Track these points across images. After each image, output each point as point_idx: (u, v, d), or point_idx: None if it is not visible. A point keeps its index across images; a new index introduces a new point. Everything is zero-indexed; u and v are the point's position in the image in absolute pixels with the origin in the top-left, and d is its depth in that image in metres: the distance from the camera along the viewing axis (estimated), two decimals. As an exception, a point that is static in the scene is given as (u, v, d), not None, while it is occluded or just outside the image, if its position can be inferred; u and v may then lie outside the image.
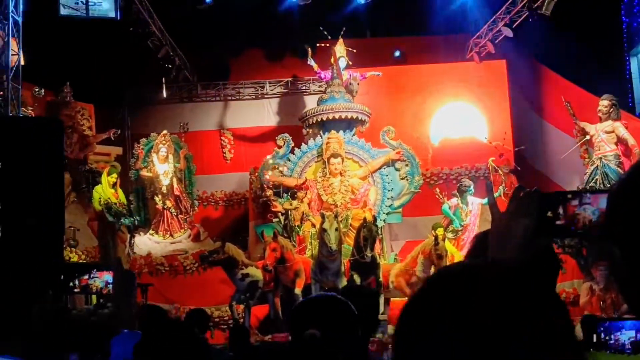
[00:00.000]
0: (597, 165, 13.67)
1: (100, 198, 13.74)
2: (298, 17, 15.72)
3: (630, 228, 1.05)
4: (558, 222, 1.54)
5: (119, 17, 12.84)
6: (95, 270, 11.81)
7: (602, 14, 17.63)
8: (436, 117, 17.11)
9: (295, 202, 13.52)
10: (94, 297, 11.86)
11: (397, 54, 17.78)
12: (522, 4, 15.13)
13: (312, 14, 15.58)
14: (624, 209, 1.07)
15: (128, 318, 8.77)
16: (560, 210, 1.55)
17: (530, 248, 1.52)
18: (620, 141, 13.66)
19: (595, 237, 1.51)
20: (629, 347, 4.19)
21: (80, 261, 13.02)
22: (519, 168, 15.81)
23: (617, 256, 1.08)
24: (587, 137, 14.11)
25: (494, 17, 16.17)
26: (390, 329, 10.67)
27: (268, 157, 14.51)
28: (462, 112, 17.09)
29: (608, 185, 13.19)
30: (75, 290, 11.15)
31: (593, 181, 13.63)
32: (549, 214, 1.53)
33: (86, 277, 11.50)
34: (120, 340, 5.64)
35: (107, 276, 11.78)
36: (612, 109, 13.83)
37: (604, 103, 13.89)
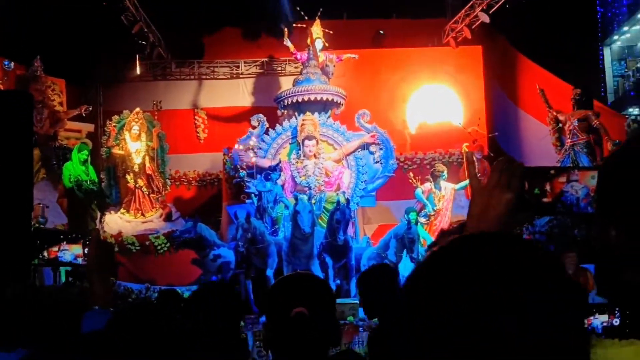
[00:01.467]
0: (569, 153, 13.81)
1: (70, 175, 13.55)
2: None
3: (627, 206, 1.03)
4: (545, 199, 1.52)
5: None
6: (64, 242, 11.60)
7: (577, 3, 17.75)
8: (412, 101, 17.16)
9: (268, 184, 13.44)
10: (62, 272, 11.68)
11: (380, 31, 17.69)
12: (500, -11, 15.15)
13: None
14: (620, 186, 1.05)
15: (102, 295, 8.64)
16: (548, 187, 1.52)
17: (510, 223, 1.50)
18: (592, 130, 13.80)
19: (582, 215, 1.49)
20: (601, 332, 4.23)
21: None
22: (492, 154, 15.90)
23: (612, 234, 1.06)
24: (560, 125, 14.23)
25: (471, 2, 16.18)
26: (362, 312, 10.70)
27: (240, 139, 14.39)
28: (437, 96, 17.17)
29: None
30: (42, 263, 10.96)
31: (565, 169, 13.76)
32: (536, 190, 1.51)
33: (55, 249, 11.31)
34: (91, 316, 5.55)
35: (77, 249, 11.59)
36: (584, 98, 13.96)
37: (577, 92, 14.01)
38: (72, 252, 11.40)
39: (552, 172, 1.51)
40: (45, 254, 11.13)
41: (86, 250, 10.98)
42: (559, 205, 1.52)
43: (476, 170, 1.65)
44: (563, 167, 1.65)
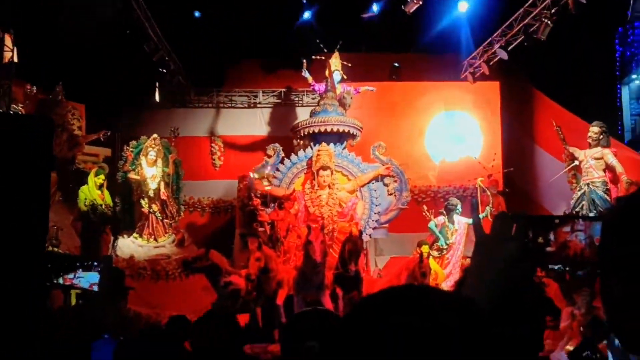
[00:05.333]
0: (585, 191, 13.71)
1: (85, 198, 13.66)
2: (295, 29, 15.77)
3: (628, 259, 1.04)
4: (549, 249, 1.52)
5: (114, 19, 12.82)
6: (80, 269, 11.64)
7: (597, 42, 17.80)
8: (429, 135, 17.25)
9: (281, 213, 13.47)
10: (73, 294, 11.70)
11: (395, 64, 17.81)
12: (518, 27, 15.24)
13: (310, 27, 15.63)
14: (623, 240, 1.06)
15: (113, 322, 8.67)
16: (552, 236, 1.53)
17: (514, 273, 1.49)
18: (608, 168, 13.71)
19: (588, 265, 1.49)
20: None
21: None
22: (507, 190, 15.86)
23: (615, 285, 1.06)
24: (576, 162, 14.16)
25: (490, 39, 16.28)
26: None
27: (255, 168, 14.47)
28: (455, 130, 17.24)
29: (594, 212, 13.24)
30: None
31: (580, 207, 13.67)
32: (540, 239, 1.51)
33: (71, 276, 11.33)
34: (101, 345, 5.56)
35: (93, 276, 11.61)
36: (602, 136, 13.89)
37: (594, 130, 13.95)
38: (87, 279, 11.44)
39: (556, 221, 1.52)
40: (60, 280, 11.18)
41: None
42: (564, 255, 1.52)
43: (480, 217, 1.66)
44: (568, 216, 1.67)
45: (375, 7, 14.66)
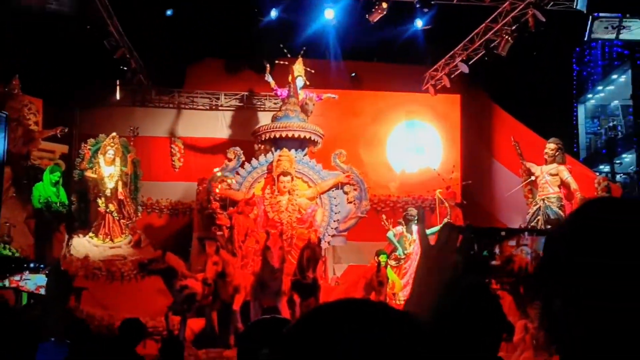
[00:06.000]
0: (540, 207, 13.98)
1: (40, 195, 13.37)
2: (260, 32, 15.71)
3: (567, 276, 1.05)
4: (493, 263, 1.53)
5: (75, 14, 12.58)
6: (27, 271, 11.40)
7: (555, 60, 18.20)
8: (391, 144, 17.39)
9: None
10: (24, 296, 11.46)
11: (353, 74, 17.90)
12: (480, 42, 15.47)
13: (274, 31, 15.59)
14: (563, 258, 1.07)
15: (56, 324, 8.48)
16: (497, 250, 1.54)
17: (457, 286, 1.48)
18: (563, 184, 14.02)
19: (529, 280, 1.51)
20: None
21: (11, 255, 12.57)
22: (464, 202, 16.06)
23: (555, 302, 1.08)
24: (532, 177, 14.44)
25: (452, 52, 16.49)
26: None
27: (217, 169, 14.40)
28: (415, 141, 17.43)
29: (549, 227, 13.50)
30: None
31: (535, 221, 13.93)
32: (485, 252, 1.52)
33: (17, 278, 11.09)
34: (47, 349, 5.42)
35: (40, 278, 11.38)
36: (557, 153, 14.20)
37: (550, 146, 14.25)
38: (34, 281, 11.22)
39: (502, 233, 1.53)
40: (7, 282, 10.93)
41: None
42: (509, 269, 1.54)
43: (426, 230, 1.65)
44: (514, 229, 1.68)
45: (330, 13, 14.59)
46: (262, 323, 2.43)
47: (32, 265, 11.99)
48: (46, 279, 11.26)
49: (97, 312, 12.39)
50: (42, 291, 11.14)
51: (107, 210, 14.83)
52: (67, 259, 13.56)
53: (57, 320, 8.86)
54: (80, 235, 14.67)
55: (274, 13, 15.04)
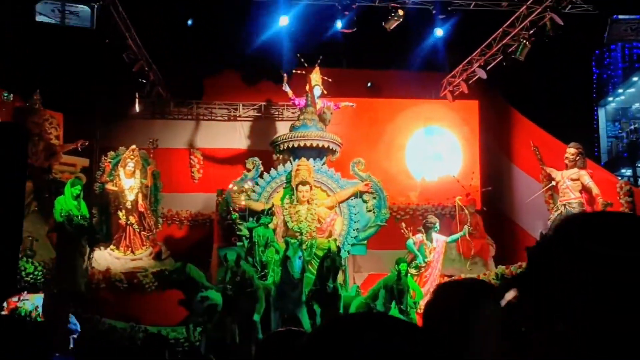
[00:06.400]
0: (561, 212, 13.82)
1: (61, 209, 13.47)
2: (276, 42, 15.76)
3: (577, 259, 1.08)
4: None
5: (94, 28, 12.71)
6: (25, 292, 11.45)
7: (574, 64, 18.04)
8: (410, 151, 17.35)
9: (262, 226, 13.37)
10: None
11: (369, 84, 17.91)
12: (497, 47, 15.40)
13: (291, 41, 15.64)
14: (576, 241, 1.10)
15: (60, 342, 8.55)
16: None
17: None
18: (584, 189, 13.86)
19: None
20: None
21: (29, 274, 12.68)
22: (485, 209, 15.94)
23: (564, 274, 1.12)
24: (553, 183, 14.30)
25: (469, 58, 16.43)
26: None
27: (234, 181, 14.41)
28: (433, 148, 17.36)
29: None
30: (2, 312, 10.81)
31: (556, 227, 13.77)
32: None
33: (15, 299, 11.13)
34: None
35: (38, 299, 11.43)
36: (578, 157, 14.05)
37: (570, 151, 14.11)
38: (32, 302, 11.27)
39: None
40: (5, 304, 10.97)
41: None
42: None
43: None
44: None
45: (339, 23, 14.63)
46: (278, 335, 2.42)
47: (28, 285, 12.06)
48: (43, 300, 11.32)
49: (118, 324, 12.45)
50: (40, 310, 11.17)
51: (128, 222, 14.93)
52: (89, 272, 13.66)
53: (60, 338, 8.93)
54: (102, 248, 14.78)
55: (284, 21, 15.04)
